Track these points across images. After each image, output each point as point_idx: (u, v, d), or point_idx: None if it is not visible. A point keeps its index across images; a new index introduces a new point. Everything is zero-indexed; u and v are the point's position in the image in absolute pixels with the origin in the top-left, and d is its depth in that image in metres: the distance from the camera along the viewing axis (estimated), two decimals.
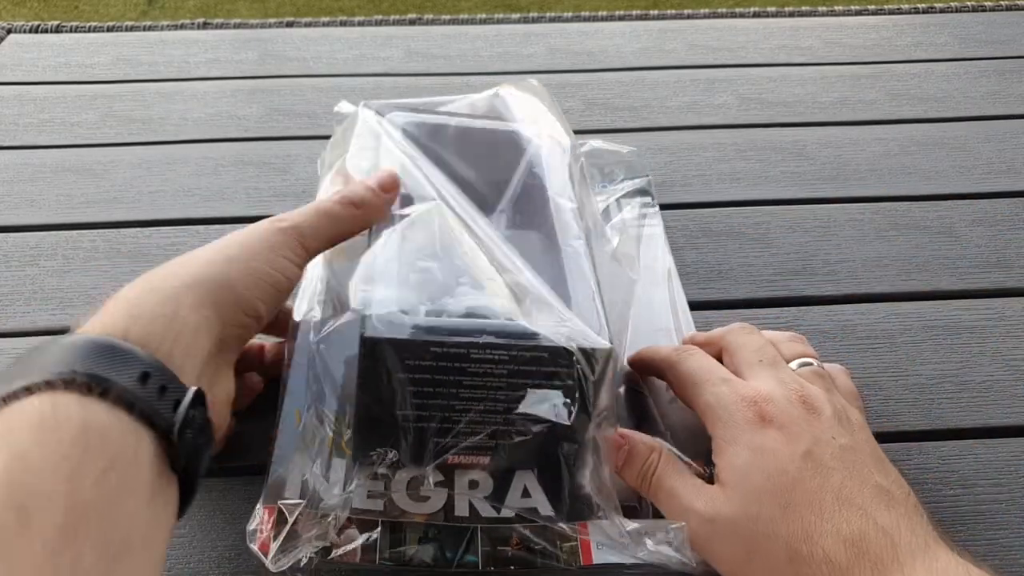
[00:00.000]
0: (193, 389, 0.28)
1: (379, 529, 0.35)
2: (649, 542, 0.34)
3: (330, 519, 0.34)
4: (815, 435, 0.33)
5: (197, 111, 0.64)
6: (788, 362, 0.38)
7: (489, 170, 0.42)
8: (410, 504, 0.35)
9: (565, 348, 0.33)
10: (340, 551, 0.34)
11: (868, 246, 0.53)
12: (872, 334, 0.48)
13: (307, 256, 0.35)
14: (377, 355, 0.32)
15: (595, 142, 0.55)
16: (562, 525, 0.35)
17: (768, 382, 0.36)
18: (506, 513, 0.35)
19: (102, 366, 0.26)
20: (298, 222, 0.35)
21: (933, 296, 0.50)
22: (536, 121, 0.47)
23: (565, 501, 0.35)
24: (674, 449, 0.37)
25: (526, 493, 0.35)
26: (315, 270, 0.40)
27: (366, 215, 0.38)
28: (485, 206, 0.40)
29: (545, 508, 0.35)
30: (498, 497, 0.35)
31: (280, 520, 0.34)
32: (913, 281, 0.51)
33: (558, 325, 0.34)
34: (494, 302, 0.34)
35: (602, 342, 0.34)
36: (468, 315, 0.34)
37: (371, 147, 0.43)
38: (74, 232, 0.53)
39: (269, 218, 0.35)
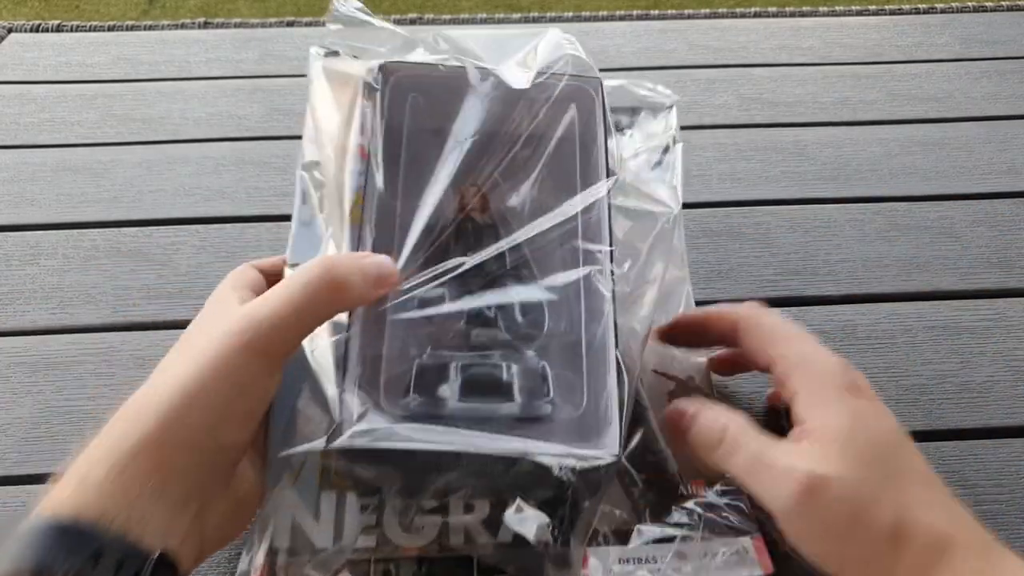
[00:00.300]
0: (155, 556, 0.27)
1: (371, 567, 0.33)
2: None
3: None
4: (893, 414, 0.33)
5: (198, 110, 0.64)
6: None
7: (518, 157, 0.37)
8: (403, 537, 0.33)
9: (558, 473, 0.29)
10: None
11: (869, 246, 0.53)
12: (872, 334, 0.48)
13: (282, 361, 0.31)
14: (356, 457, 0.30)
15: (636, 88, 0.48)
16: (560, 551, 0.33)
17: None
18: (502, 538, 0.33)
19: (50, 553, 0.26)
20: (266, 330, 0.30)
21: (934, 296, 0.50)
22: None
23: (563, 527, 0.33)
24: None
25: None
26: None
27: (347, 304, 0.32)
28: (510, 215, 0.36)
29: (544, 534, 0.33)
30: (494, 522, 0.33)
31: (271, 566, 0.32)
32: (914, 281, 0.51)
33: (564, 421, 0.31)
34: (499, 368, 0.32)
35: (605, 455, 0.30)
36: (467, 387, 0.31)
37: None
38: (74, 231, 0.53)
39: (233, 323, 0.30)
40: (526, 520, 0.31)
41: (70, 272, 0.51)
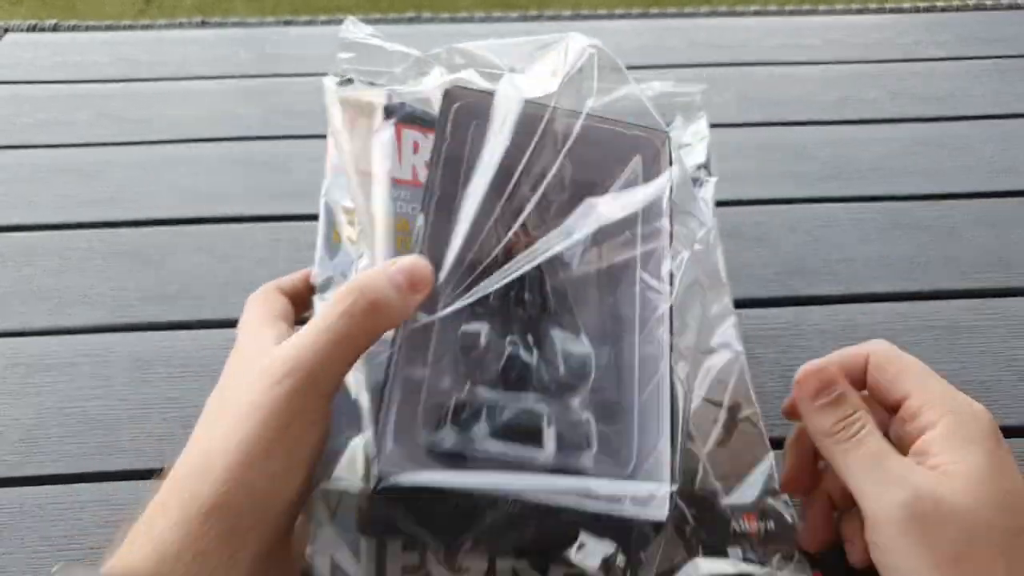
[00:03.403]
0: None
1: None
2: None
3: None
4: None
5: (195, 110, 0.64)
6: None
7: (578, 190, 0.36)
8: None
9: (610, 517, 0.28)
10: None
11: (869, 246, 0.53)
12: (873, 334, 0.47)
13: (330, 399, 0.30)
14: (389, 496, 0.29)
15: (660, 84, 0.47)
16: None
17: None
18: None
19: None
20: (316, 373, 0.28)
21: (934, 296, 0.50)
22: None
23: (630, 561, 0.31)
24: None
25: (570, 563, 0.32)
26: None
27: (389, 322, 0.31)
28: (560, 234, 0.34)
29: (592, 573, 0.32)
30: (543, 562, 0.33)
31: None
32: (914, 281, 0.51)
33: (607, 474, 0.30)
34: (539, 413, 0.31)
35: (655, 511, 0.29)
36: (506, 434, 0.30)
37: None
38: (71, 232, 0.53)
39: (278, 369, 0.29)
40: (590, 554, 0.29)
41: (66, 273, 0.50)
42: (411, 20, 0.75)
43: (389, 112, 0.38)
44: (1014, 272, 0.51)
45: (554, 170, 0.36)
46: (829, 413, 0.32)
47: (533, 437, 0.31)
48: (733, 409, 0.39)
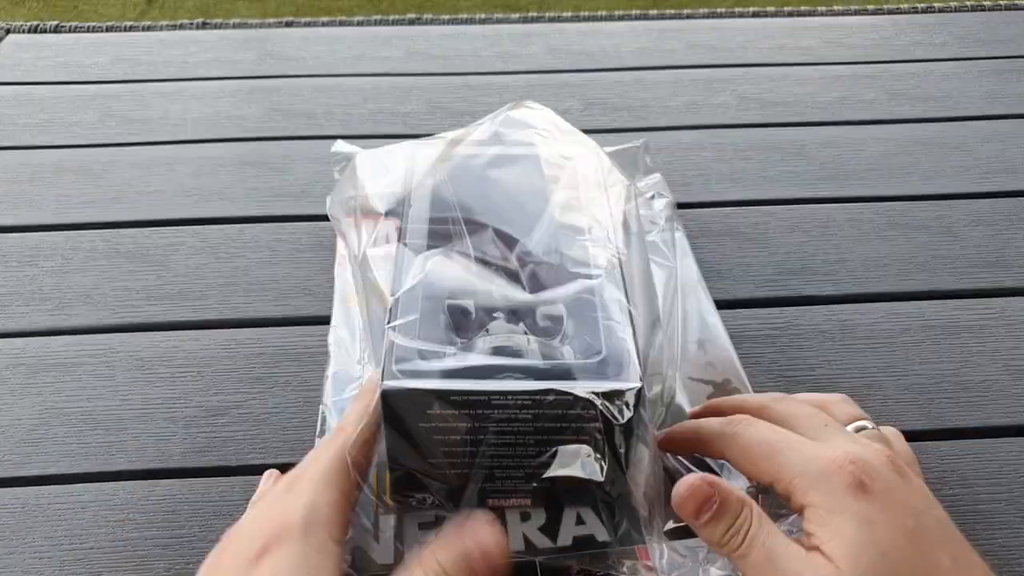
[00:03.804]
0: None
1: None
2: (713, 570, 0.34)
3: None
4: (915, 506, 0.31)
5: (196, 111, 0.64)
6: (844, 426, 0.35)
7: (518, 199, 0.41)
8: None
9: (584, 396, 0.31)
10: None
11: (867, 246, 0.53)
12: (872, 334, 0.48)
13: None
14: (397, 406, 0.32)
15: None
16: (620, 554, 0.34)
17: (849, 445, 0.32)
18: (562, 542, 0.35)
19: None
20: (326, 543, 0.30)
21: (932, 296, 0.50)
22: (563, 139, 0.46)
23: (619, 527, 0.35)
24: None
25: (580, 520, 0.35)
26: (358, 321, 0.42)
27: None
28: (512, 238, 0.39)
29: (601, 534, 0.35)
30: (552, 527, 0.35)
31: None
32: (912, 281, 0.51)
33: (585, 364, 0.32)
34: (523, 340, 0.33)
35: (627, 383, 0.32)
36: (496, 354, 0.33)
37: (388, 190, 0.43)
38: (73, 232, 0.53)
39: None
40: (575, 455, 0.32)
41: (69, 273, 0.51)
42: (412, 22, 0.75)
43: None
44: (1011, 272, 0.52)
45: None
46: (714, 527, 0.32)
47: (520, 353, 0.34)
48: (723, 385, 0.42)
